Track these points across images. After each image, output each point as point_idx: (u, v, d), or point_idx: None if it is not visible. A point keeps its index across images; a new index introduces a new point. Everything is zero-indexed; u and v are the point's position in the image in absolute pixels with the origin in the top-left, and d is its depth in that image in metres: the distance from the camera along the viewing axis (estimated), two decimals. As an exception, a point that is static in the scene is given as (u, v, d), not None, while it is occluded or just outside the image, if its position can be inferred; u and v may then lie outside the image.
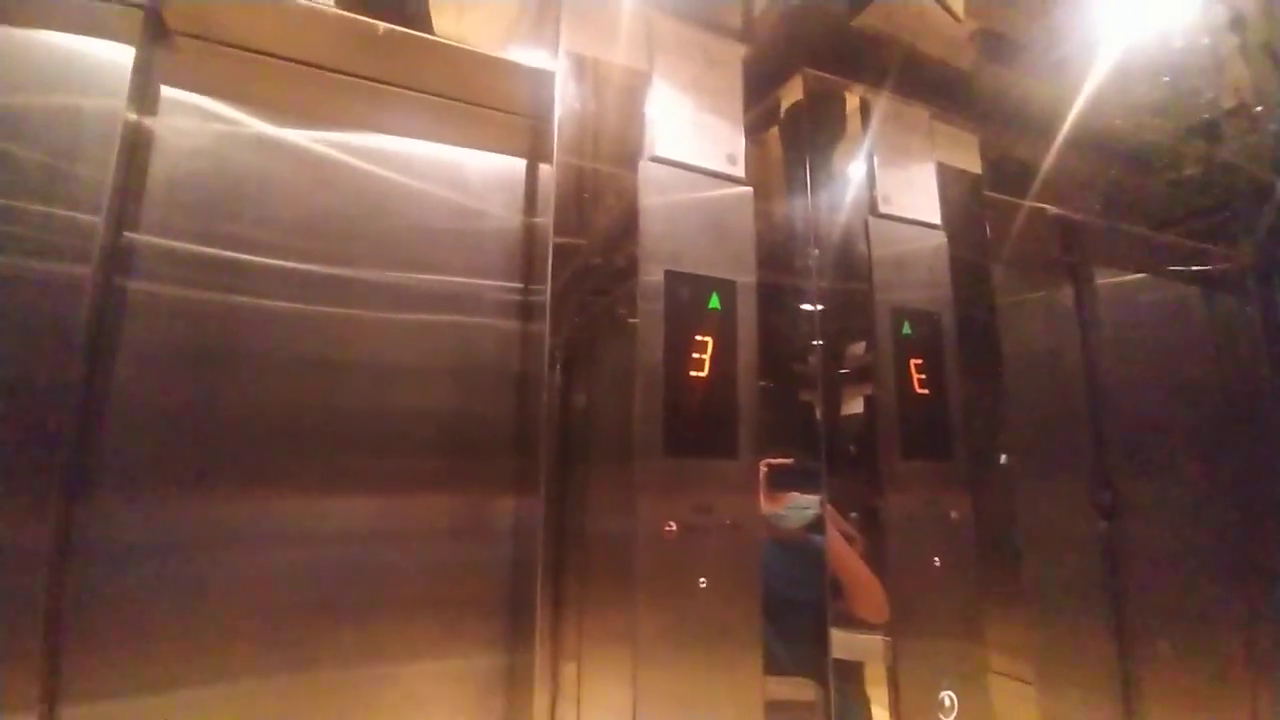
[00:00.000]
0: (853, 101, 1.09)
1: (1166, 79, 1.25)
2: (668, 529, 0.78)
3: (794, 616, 0.88)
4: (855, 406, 1.01)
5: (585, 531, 0.82)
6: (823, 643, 0.89)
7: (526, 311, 0.93)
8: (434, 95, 0.94)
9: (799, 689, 0.88)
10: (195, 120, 0.83)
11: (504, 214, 0.97)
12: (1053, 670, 1.17)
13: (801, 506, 0.91)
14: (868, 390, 1.00)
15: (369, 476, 0.83)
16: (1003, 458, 1.11)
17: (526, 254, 0.94)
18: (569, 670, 0.79)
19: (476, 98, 0.95)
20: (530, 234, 0.94)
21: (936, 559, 0.97)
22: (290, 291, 0.84)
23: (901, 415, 0.99)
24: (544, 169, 0.96)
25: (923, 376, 1.02)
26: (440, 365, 0.89)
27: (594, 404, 0.86)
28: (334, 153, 0.89)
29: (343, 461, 0.82)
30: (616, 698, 0.74)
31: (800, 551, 0.92)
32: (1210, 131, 1.41)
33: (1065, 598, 1.29)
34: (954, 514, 0.99)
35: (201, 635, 0.73)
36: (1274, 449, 1.55)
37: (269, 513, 0.78)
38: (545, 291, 0.85)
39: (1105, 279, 1.51)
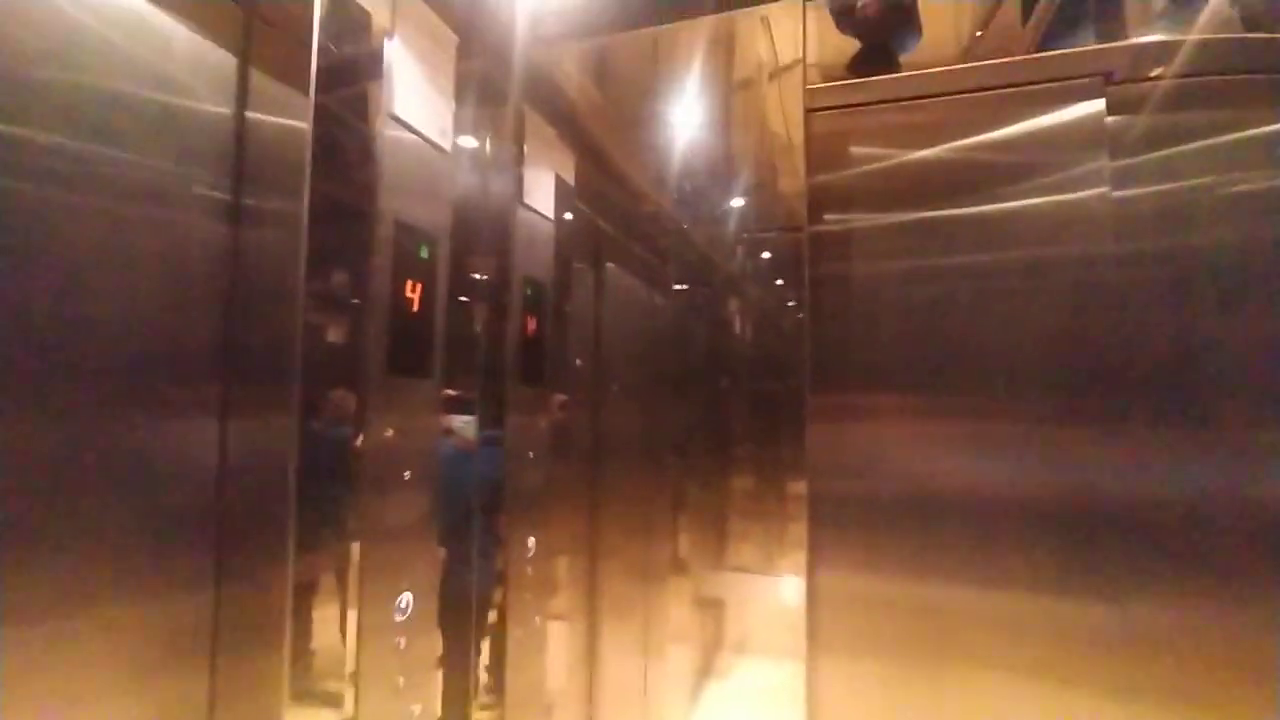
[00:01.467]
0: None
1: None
2: (388, 435, 0.96)
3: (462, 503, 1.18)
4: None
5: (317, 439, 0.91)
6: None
7: (247, 218, 0.89)
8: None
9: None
10: None
11: (215, 106, 0.88)
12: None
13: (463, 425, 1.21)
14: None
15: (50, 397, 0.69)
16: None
17: (239, 153, 0.89)
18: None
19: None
20: (246, 131, 0.89)
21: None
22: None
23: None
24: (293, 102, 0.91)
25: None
26: (139, 266, 0.78)
27: (327, 326, 0.93)
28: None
29: None
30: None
31: (466, 457, 1.22)
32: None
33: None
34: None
35: None
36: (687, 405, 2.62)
37: None
38: (257, 196, 0.87)
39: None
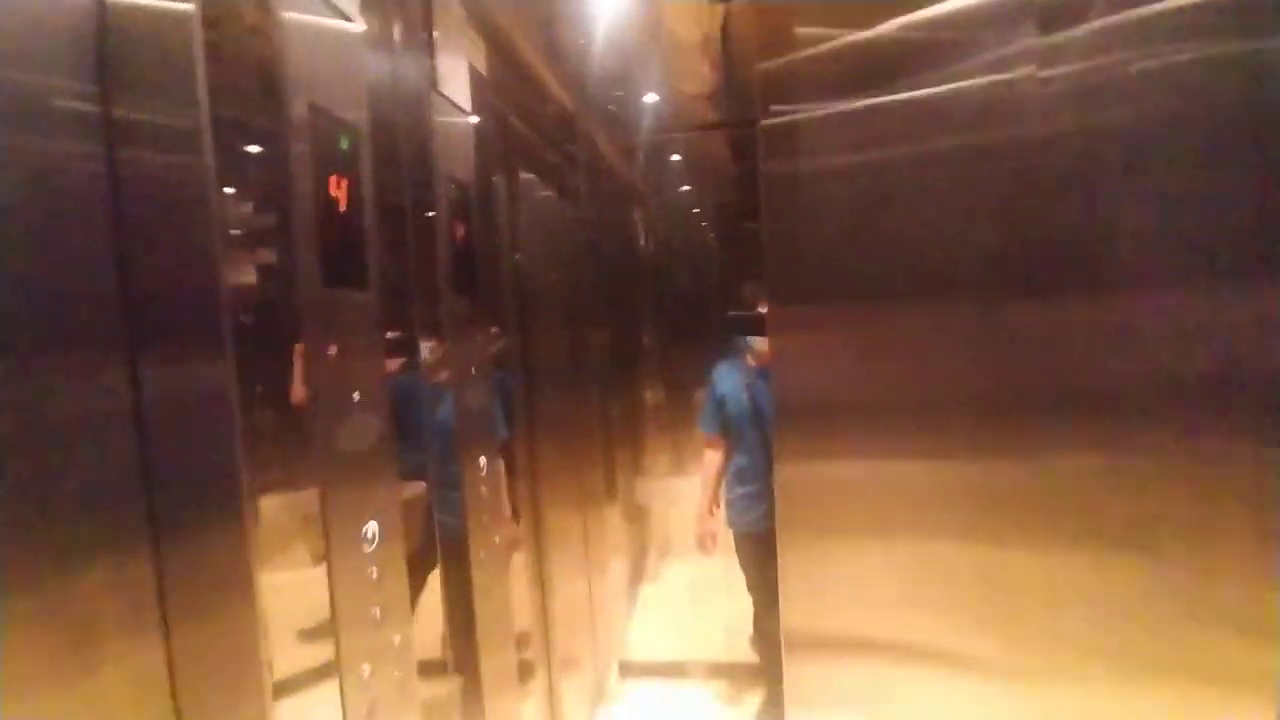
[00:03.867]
0: None
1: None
2: (330, 352, 0.85)
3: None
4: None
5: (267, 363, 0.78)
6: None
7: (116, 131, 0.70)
8: None
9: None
10: None
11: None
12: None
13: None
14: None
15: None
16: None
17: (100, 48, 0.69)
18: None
19: None
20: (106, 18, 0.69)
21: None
22: None
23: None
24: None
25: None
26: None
27: (254, 239, 0.78)
28: None
29: None
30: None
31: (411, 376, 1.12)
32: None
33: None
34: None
35: None
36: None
37: None
38: (132, 104, 0.70)
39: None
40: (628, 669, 2.60)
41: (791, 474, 1.26)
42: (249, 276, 0.78)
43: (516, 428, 1.80)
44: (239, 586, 0.73)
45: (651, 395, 3.43)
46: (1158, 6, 1.17)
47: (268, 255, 0.81)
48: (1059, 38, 1.20)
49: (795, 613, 1.28)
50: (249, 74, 0.80)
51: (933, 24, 1.22)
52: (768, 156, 1.26)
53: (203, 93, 0.71)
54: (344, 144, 0.90)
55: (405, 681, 0.98)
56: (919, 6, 1.23)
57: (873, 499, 1.25)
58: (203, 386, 0.71)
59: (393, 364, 1.09)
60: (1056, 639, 1.20)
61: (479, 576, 1.28)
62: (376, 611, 0.91)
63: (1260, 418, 1.12)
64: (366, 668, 0.88)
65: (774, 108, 1.26)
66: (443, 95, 1.24)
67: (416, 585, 1.28)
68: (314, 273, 0.82)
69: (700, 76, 2.51)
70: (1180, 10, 1.16)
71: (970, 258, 1.21)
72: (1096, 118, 1.21)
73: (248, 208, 0.80)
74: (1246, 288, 1.15)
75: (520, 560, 1.81)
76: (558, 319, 2.22)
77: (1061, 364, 1.19)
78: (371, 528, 0.91)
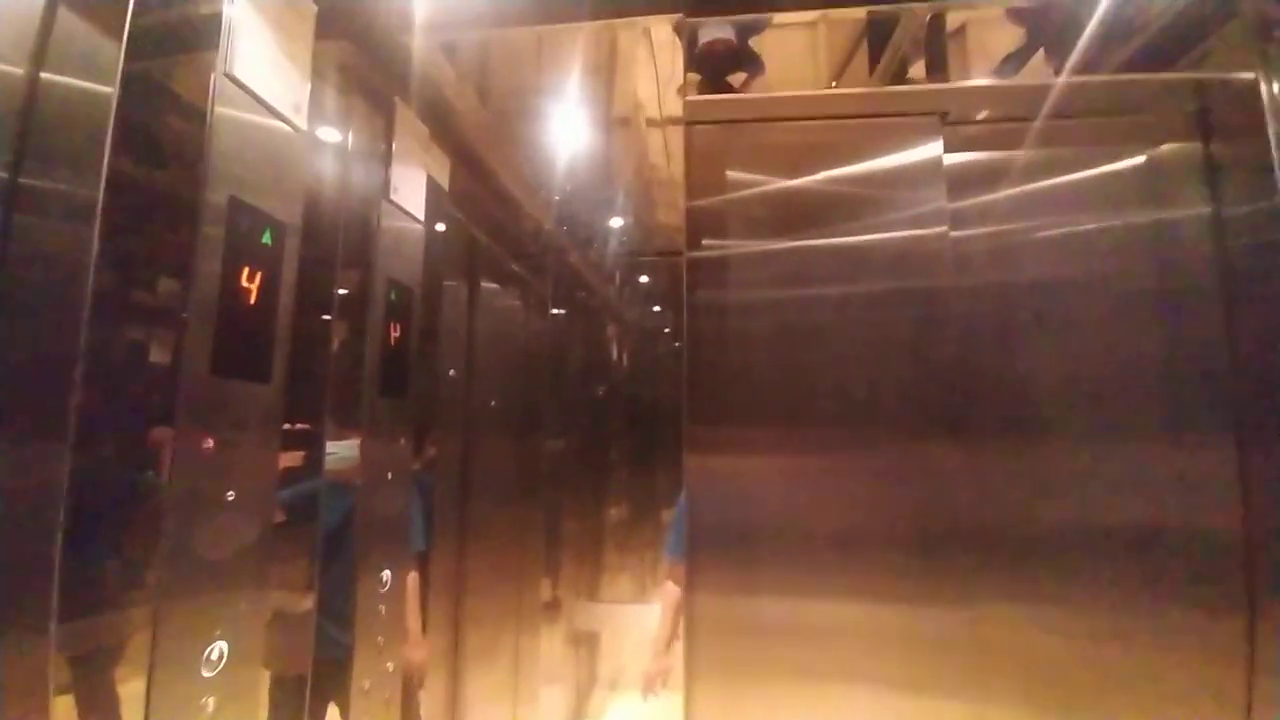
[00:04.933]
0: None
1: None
2: (206, 446, 0.80)
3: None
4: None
5: (125, 445, 0.73)
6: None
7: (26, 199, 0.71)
8: None
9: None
10: None
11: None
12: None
13: (332, 452, 1.06)
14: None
15: None
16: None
17: (25, 122, 0.72)
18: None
19: None
20: (38, 94, 0.72)
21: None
22: None
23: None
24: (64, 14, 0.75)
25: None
26: None
27: (146, 319, 0.76)
28: None
29: None
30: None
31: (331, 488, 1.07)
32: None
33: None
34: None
35: None
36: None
37: None
38: (42, 174, 0.71)
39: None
40: (549, 828, 2.30)
41: (704, 608, 1.18)
42: (122, 354, 0.75)
43: (445, 539, 1.71)
44: (36, 692, 0.63)
45: (615, 514, 3.31)
46: (1063, 179, 1.27)
47: (148, 335, 0.78)
48: (969, 202, 1.29)
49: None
50: (165, 159, 0.82)
51: (853, 179, 1.31)
52: (692, 286, 1.30)
53: (103, 166, 0.72)
54: (265, 238, 0.90)
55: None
56: (841, 165, 1.33)
57: (791, 640, 1.16)
58: (33, 470, 0.65)
59: (291, 461, 1.04)
60: None
61: (359, 706, 1.15)
62: (209, 746, 0.80)
63: (1187, 571, 1.09)
64: (181, 817, 0.75)
65: (704, 242, 1.32)
66: (394, 203, 1.28)
67: (315, 709, 1.14)
68: (201, 360, 0.80)
69: (672, 206, 2.66)
70: (1085, 182, 1.27)
71: (889, 394, 1.22)
72: (1006, 276, 1.28)
73: (139, 285, 0.79)
74: (1163, 441, 1.16)
75: (431, 684, 1.64)
76: (512, 430, 2.18)
77: (987, 507, 1.16)
78: (219, 648, 0.81)
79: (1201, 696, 1.07)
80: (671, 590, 2.11)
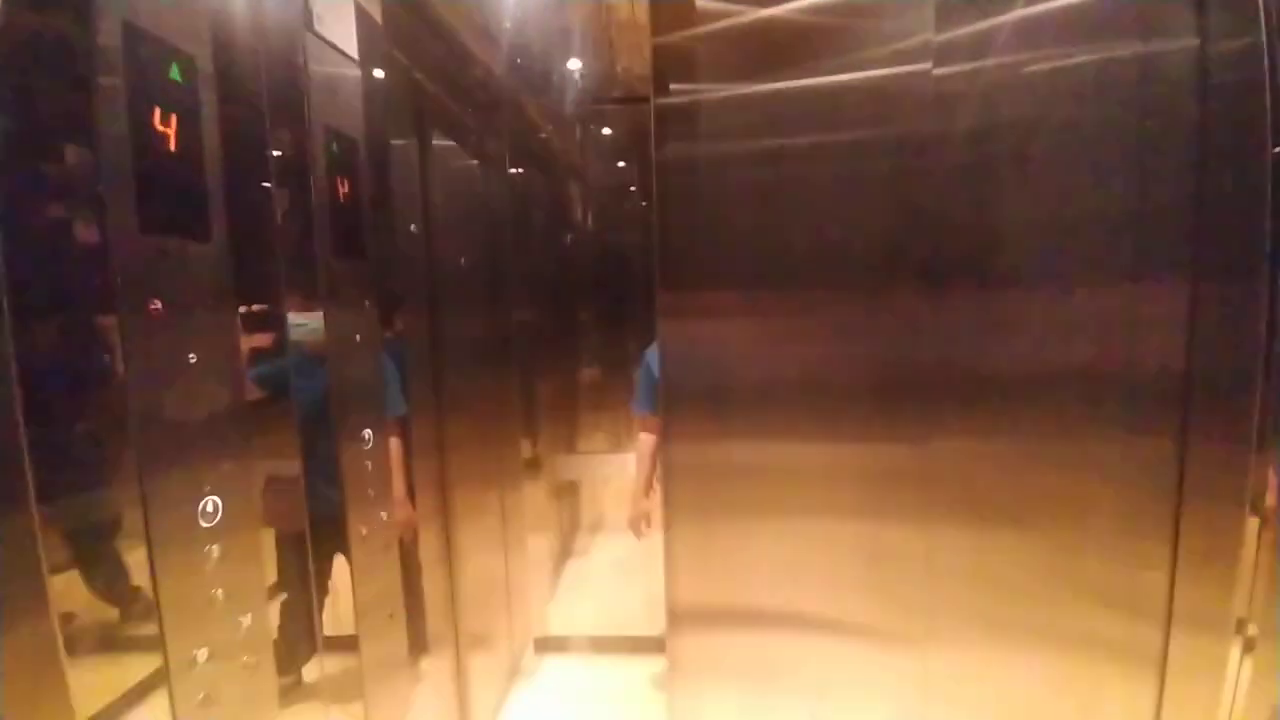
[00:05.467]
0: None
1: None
2: (153, 308, 0.76)
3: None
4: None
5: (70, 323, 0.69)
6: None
7: None
8: None
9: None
10: None
11: None
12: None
13: (299, 323, 1.02)
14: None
15: None
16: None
17: None
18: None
19: None
20: None
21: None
22: None
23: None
24: None
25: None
26: None
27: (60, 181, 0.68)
28: None
29: None
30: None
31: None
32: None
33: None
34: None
35: None
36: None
37: None
38: None
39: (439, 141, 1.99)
40: (545, 645, 2.58)
41: (679, 456, 1.24)
42: (37, 225, 0.69)
43: (423, 402, 1.73)
44: (29, 577, 0.65)
45: (587, 372, 3.38)
46: (1053, 5, 1.18)
47: (64, 200, 0.71)
48: (956, 34, 1.19)
49: (681, 588, 1.27)
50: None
51: (833, 7, 1.20)
52: (661, 137, 1.22)
53: None
54: (174, 74, 0.80)
55: (257, 665, 0.92)
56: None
57: (762, 480, 1.24)
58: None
59: (253, 327, 1.01)
60: (934, 608, 1.23)
61: (359, 554, 1.22)
62: (218, 592, 0.84)
63: (1128, 405, 1.17)
64: (201, 652, 0.81)
65: (672, 86, 1.22)
66: (319, 36, 1.14)
67: (322, 566, 1.21)
68: (129, 217, 0.73)
69: (635, 51, 2.44)
70: (1075, 9, 1.17)
71: (861, 248, 1.21)
72: (988, 118, 1.21)
73: (46, 147, 0.71)
74: (1123, 283, 1.19)
75: (425, 538, 1.75)
76: (478, 292, 2.13)
77: (948, 351, 1.20)
78: (211, 502, 0.83)
79: (1130, 515, 1.18)
80: (644, 440, 2.21)
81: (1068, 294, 1.20)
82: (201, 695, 0.81)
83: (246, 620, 0.89)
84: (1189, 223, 1.14)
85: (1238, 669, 1.12)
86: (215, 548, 0.84)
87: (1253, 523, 1.09)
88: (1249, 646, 1.11)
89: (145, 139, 0.75)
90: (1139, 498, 1.16)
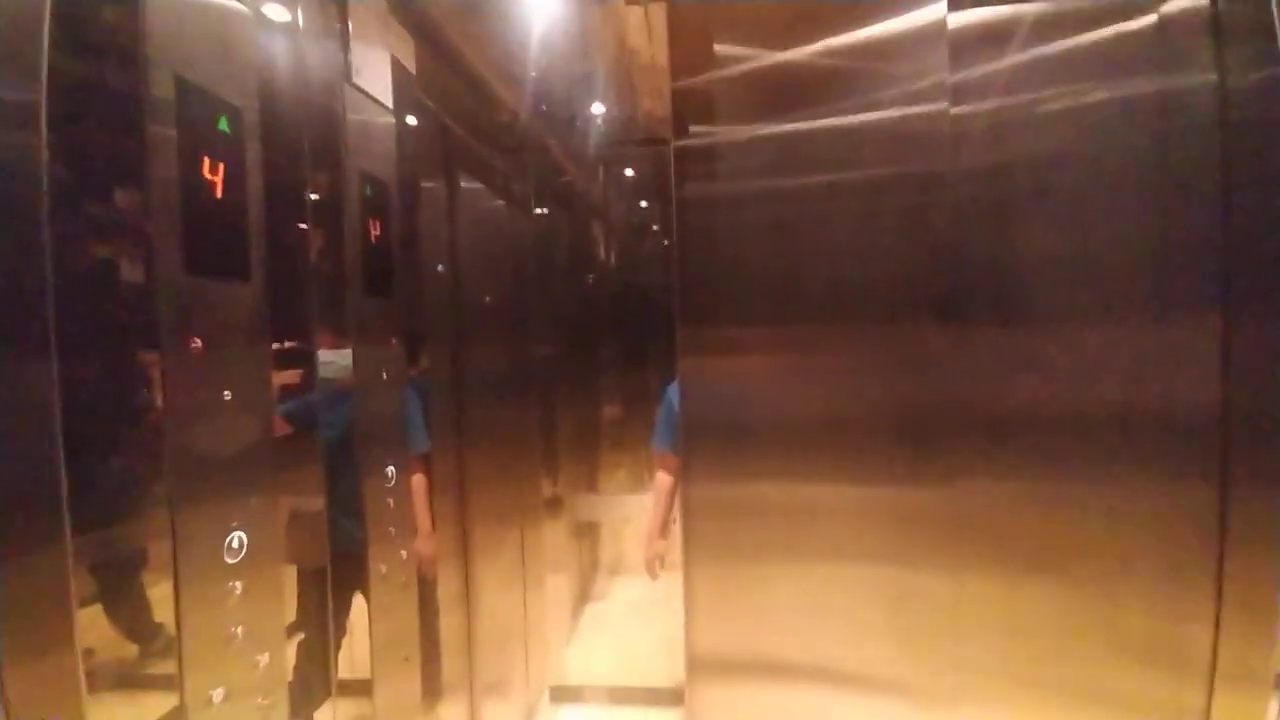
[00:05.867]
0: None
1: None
2: (194, 346, 0.79)
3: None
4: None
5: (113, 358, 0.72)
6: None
7: None
8: None
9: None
10: None
11: None
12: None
13: (328, 360, 1.06)
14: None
15: None
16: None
17: None
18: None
19: None
20: None
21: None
22: None
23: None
24: None
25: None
26: None
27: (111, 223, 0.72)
28: None
29: None
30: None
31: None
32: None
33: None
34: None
35: None
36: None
37: None
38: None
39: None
40: (561, 694, 2.51)
41: (699, 496, 1.23)
42: (88, 265, 0.72)
43: (445, 439, 1.74)
44: (58, 606, 0.66)
45: (609, 411, 3.38)
46: (1070, 43, 1.19)
47: (115, 242, 0.75)
48: (972, 73, 1.22)
49: (701, 634, 1.23)
50: (108, 48, 0.75)
51: (849, 50, 1.23)
52: (681, 178, 1.24)
53: (43, 63, 0.65)
54: (222, 125, 0.84)
55: (273, 707, 0.91)
56: (837, 33, 1.24)
57: (783, 522, 1.22)
58: (21, 393, 0.64)
59: (289, 377, 1.03)
60: (963, 662, 1.18)
61: (378, 592, 1.21)
62: (238, 630, 0.84)
63: (1162, 447, 1.13)
64: (218, 692, 0.80)
65: (691, 129, 1.25)
66: (358, 88, 1.20)
67: (340, 604, 1.20)
68: (175, 258, 0.76)
69: (656, 93, 2.51)
70: (1093, 46, 1.19)
71: (881, 284, 1.21)
72: (1006, 155, 1.22)
73: (99, 192, 0.75)
74: (1150, 320, 1.17)
75: (443, 578, 1.73)
76: (502, 330, 2.16)
77: (973, 389, 1.19)
78: (237, 538, 0.84)
79: (1169, 564, 1.13)
80: (661, 479, 2.19)
81: (1092, 331, 1.18)
82: (219, 736, 0.80)
83: (264, 659, 0.89)
84: (1216, 257, 1.12)
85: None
86: (239, 584, 0.84)
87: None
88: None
89: (194, 185, 0.79)
90: (1178, 545, 1.12)
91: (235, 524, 0.84)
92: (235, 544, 0.83)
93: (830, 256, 1.25)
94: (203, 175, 0.81)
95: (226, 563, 0.82)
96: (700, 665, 1.24)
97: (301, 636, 1.13)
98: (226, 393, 0.83)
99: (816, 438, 1.23)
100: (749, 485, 1.24)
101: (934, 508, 1.19)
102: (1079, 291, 1.20)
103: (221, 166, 0.84)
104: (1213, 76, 1.14)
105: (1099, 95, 1.20)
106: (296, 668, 1.16)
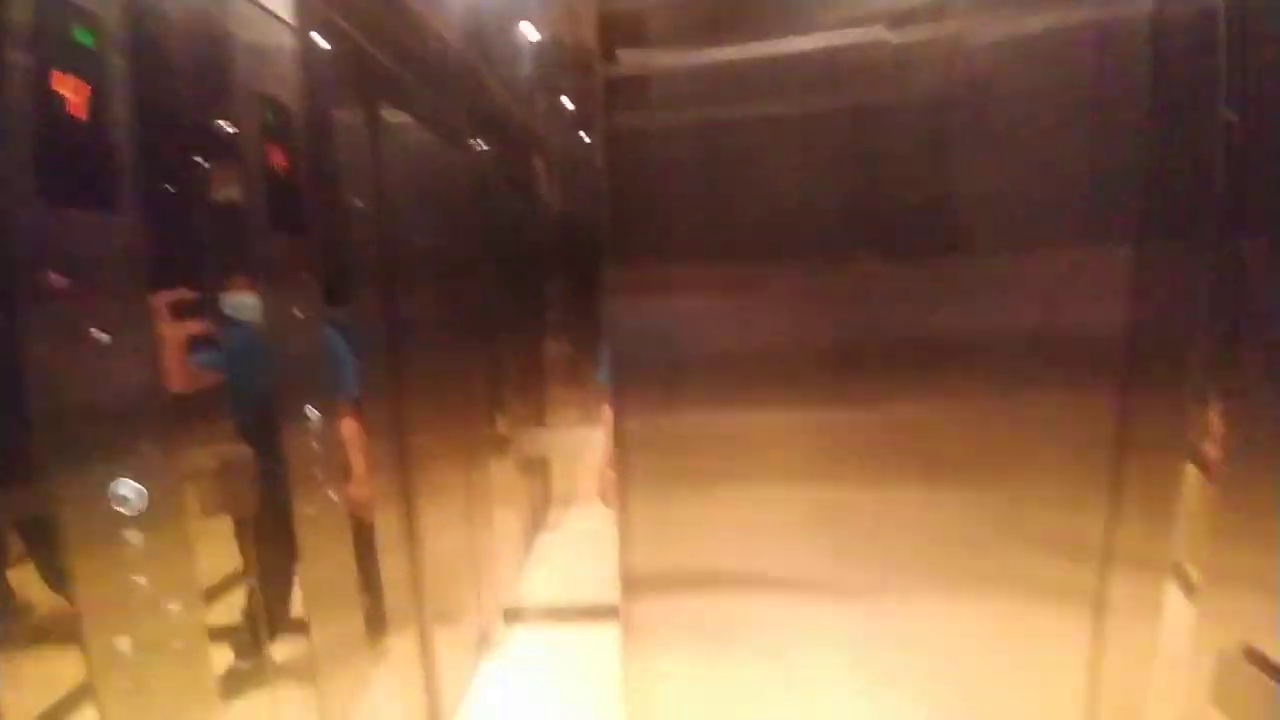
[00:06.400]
0: None
1: None
2: (54, 279, 0.73)
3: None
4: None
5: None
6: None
7: None
8: None
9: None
10: None
11: None
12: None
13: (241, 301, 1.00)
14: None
15: None
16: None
17: None
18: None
19: None
20: None
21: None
22: None
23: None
24: None
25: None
26: None
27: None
28: None
29: None
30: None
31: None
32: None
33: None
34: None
35: None
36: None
37: None
38: None
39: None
40: (515, 616, 2.60)
41: (632, 430, 1.24)
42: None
43: (379, 380, 1.70)
44: None
45: (555, 347, 3.36)
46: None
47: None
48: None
49: (637, 552, 1.28)
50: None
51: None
52: (610, 108, 1.18)
53: None
54: (80, 36, 0.75)
55: (192, 651, 0.90)
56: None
57: (716, 448, 1.25)
58: None
59: (183, 305, 0.97)
60: (885, 562, 1.26)
61: (305, 535, 1.20)
62: (141, 579, 0.82)
63: (1075, 364, 1.19)
64: (124, 640, 0.79)
65: (620, 54, 1.19)
66: (251, 1, 1.08)
67: (281, 550, 1.19)
68: (27, 187, 0.69)
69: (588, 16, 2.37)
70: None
71: (819, 220, 1.20)
72: (944, 83, 1.21)
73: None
74: (1072, 248, 1.19)
75: (386, 518, 1.73)
76: (440, 267, 2.09)
77: (905, 318, 1.21)
78: (128, 488, 0.80)
79: (1073, 463, 1.21)
80: (609, 411, 2.20)
81: (1018, 259, 1.20)
82: (127, 682, 0.79)
83: (175, 608, 0.87)
84: (1138, 191, 1.15)
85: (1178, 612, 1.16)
86: (137, 534, 0.81)
87: (1191, 470, 1.13)
88: (1190, 590, 1.15)
89: (48, 105, 0.71)
90: (1081, 450, 1.20)
91: (124, 473, 0.80)
92: (126, 493, 0.80)
93: (766, 192, 1.23)
94: (57, 93, 0.73)
95: (118, 513, 0.79)
96: (634, 583, 1.29)
97: (248, 582, 1.14)
98: (104, 336, 0.78)
99: (750, 371, 1.24)
100: (682, 416, 1.26)
101: (862, 429, 1.24)
102: (1008, 224, 1.22)
103: (81, 83, 0.75)
104: (1149, 5, 1.13)
105: (1038, 24, 1.18)
106: (245, 611, 1.16)
